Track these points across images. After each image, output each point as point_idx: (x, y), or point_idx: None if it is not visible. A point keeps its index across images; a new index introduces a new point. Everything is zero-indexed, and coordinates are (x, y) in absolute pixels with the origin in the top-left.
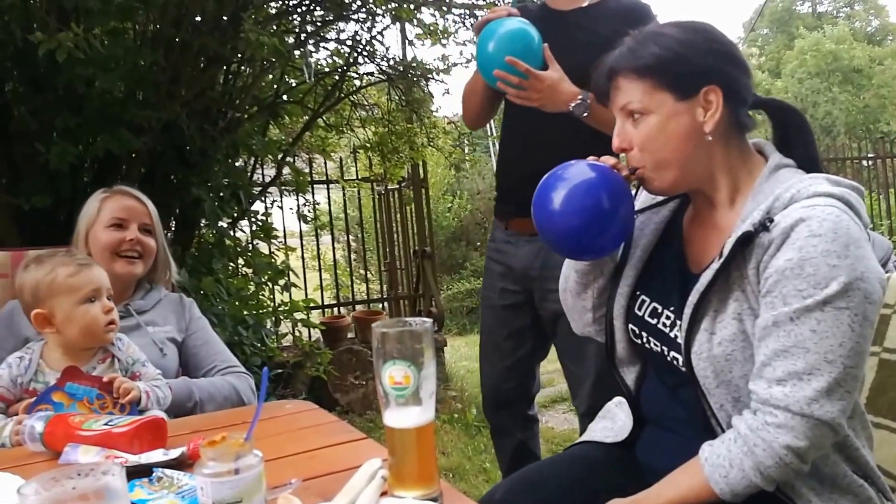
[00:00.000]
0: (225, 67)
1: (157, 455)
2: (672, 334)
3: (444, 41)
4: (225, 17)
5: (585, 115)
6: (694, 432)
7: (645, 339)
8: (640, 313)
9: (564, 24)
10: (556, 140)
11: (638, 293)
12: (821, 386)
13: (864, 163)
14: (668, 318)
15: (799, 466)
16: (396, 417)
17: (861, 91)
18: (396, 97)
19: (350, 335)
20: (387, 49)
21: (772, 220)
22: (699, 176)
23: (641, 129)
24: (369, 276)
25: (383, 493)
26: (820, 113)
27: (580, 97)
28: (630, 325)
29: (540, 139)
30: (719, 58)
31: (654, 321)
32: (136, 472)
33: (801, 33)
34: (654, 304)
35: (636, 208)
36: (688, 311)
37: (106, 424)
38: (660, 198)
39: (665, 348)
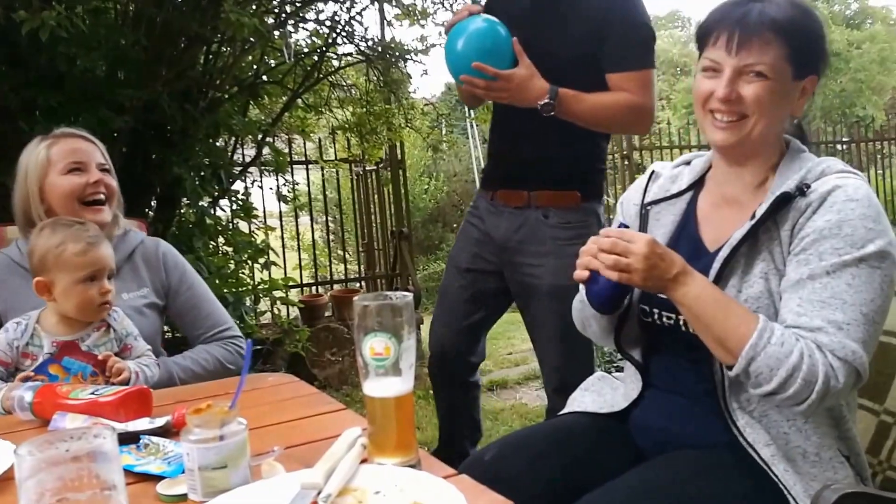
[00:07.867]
0: (205, 47)
1: (143, 423)
2: None
3: (422, 22)
4: None
5: (552, 113)
6: (699, 395)
7: (657, 316)
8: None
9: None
10: (539, 128)
11: None
12: (859, 336)
13: (839, 147)
14: None
15: (815, 399)
16: (376, 387)
17: (838, 75)
18: (375, 78)
19: (328, 314)
20: (365, 29)
21: (808, 186)
22: (765, 144)
23: (755, 88)
24: (347, 256)
25: (363, 461)
26: None
27: (548, 97)
28: (641, 306)
29: (525, 127)
30: (825, 51)
31: (664, 296)
32: (124, 440)
33: None
34: None
35: (648, 200)
36: (717, 265)
37: (92, 394)
38: (673, 189)
39: (680, 317)
